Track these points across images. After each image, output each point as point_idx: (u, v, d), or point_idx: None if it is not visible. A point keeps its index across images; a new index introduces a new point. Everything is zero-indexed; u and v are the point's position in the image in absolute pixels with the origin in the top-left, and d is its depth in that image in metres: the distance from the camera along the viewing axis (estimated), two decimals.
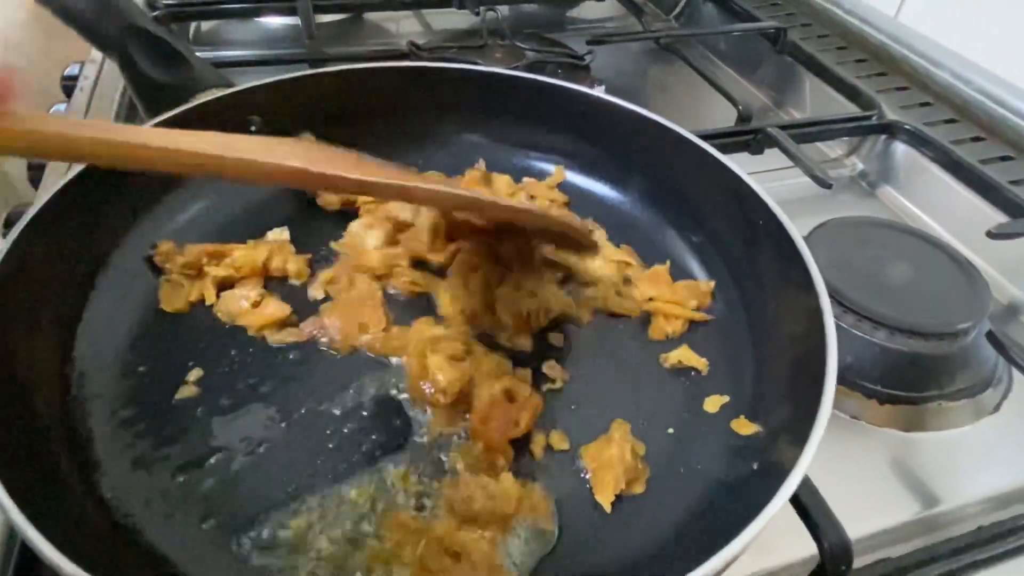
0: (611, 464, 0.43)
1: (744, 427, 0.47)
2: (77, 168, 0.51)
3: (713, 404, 0.49)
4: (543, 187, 0.65)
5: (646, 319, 0.56)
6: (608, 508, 0.43)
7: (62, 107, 0.87)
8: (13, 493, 0.32)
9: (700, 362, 0.52)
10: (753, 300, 0.53)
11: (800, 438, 0.36)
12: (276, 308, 0.52)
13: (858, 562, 0.43)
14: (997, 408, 0.60)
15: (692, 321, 0.55)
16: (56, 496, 0.37)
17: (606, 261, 0.59)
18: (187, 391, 0.47)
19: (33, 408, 0.42)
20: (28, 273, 0.45)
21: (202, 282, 0.53)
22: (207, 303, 0.53)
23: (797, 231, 0.50)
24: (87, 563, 0.30)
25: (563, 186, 0.66)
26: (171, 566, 0.38)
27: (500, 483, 0.41)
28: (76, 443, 0.42)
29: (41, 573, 0.39)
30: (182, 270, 0.53)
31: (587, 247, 0.55)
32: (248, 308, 0.52)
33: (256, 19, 1.01)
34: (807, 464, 0.35)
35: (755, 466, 0.42)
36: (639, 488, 0.44)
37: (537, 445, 0.46)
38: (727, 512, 0.38)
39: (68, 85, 0.90)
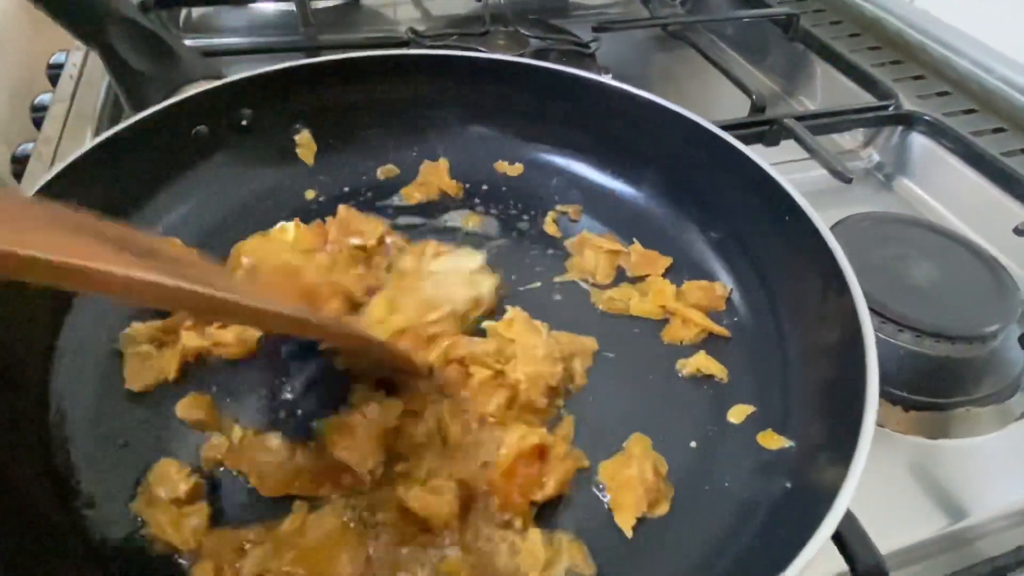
0: (631, 484, 0.41)
1: (772, 440, 0.44)
2: (60, 164, 0.48)
3: (738, 415, 0.46)
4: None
5: (661, 324, 0.53)
6: (629, 533, 0.40)
7: (47, 96, 0.83)
8: None
9: (719, 368, 0.49)
10: (779, 302, 0.50)
11: (841, 458, 0.34)
12: None
13: None
14: None
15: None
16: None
17: (597, 252, 0.57)
18: None
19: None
20: None
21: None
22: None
23: (826, 227, 0.47)
24: None
25: (574, 180, 0.63)
26: None
27: (526, 540, 0.38)
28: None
29: None
30: (148, 340, 0.46)
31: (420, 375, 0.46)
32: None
33: (249, 5, 0.97)
34: (852, 490, 0.32)
35: (788, 485, 0.39)
36: (663, 509, 0.41)
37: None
38: (761, 539, 0.35)
39: (54, 74, 0.87)
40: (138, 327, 0.47)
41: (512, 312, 0.49)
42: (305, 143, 0.60)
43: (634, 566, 0.39)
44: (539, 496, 0.40)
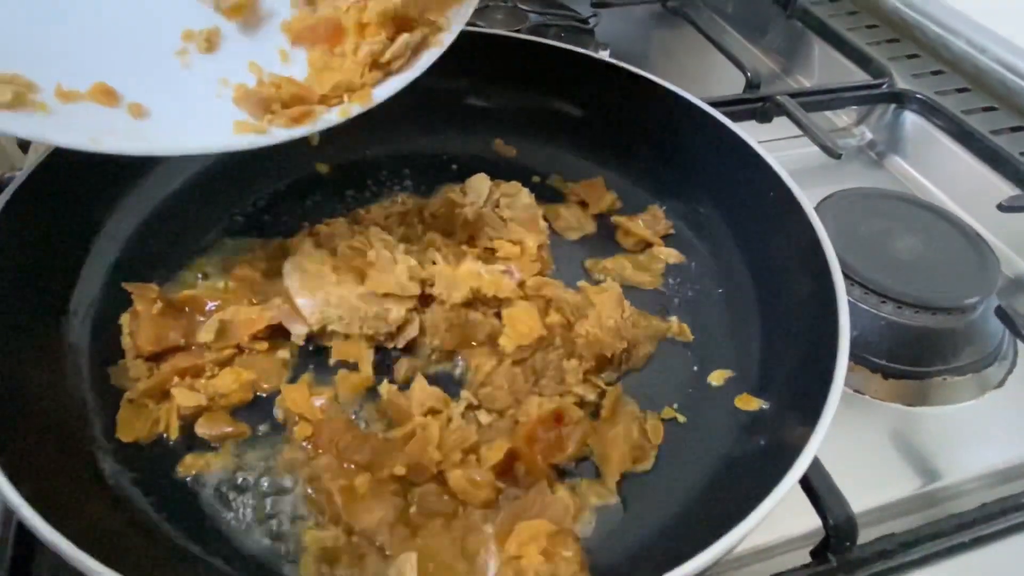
0: (616, 443, 0.43)
1: (749, 403, 0.46)
2: None
3: (718, 378, 0.49)
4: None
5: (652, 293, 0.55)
6: (614, 488, 0.42)
7: None
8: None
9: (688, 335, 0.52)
10: (761, 272, 0.52)
11: (810, 417, 0.36)
12: None
13: (862, 537, 0.43)
14: (1002, 383, 0.59)
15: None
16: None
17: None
18: None
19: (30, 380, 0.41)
20: (23, 234, 0.44)
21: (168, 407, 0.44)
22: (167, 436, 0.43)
23: (809, 202, 0.49)
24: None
25: (568, 154, 0.65)
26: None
27: (555, 496, 0.41)
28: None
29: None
30: (143, 396, 0.44)
31: None
32: None
33: None
34: (818, 444, 0.35)
35: (763, 442, 0.41)
36: (646, 464, 0.44)
37: None
38: (736, 490, 0.38)
39: None
40: (133, 364, 0.45)
41: (609, 283, 0.53)
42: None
43: (616, 520, 0.42)
44: (559, 458, 0.43)
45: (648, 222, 0.59)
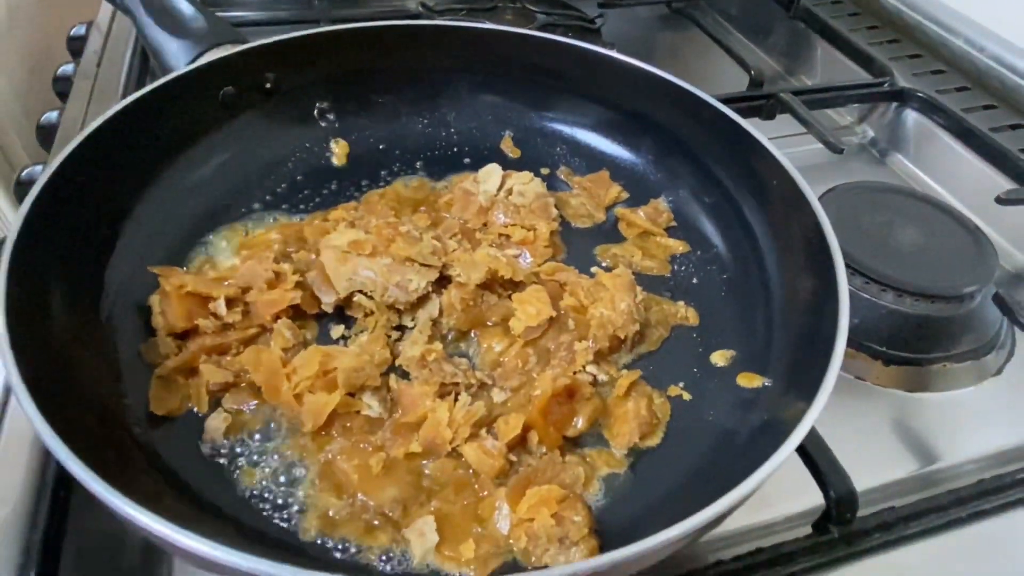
0: (625, 418, 0.45)
1: (751, 380, 0.48)
2: (91, 126, 0.50)
3: (721, 358, 0.51)
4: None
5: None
6: (622, 459, 0.44)
7: (70, 67, 0.86)
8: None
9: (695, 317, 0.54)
10: (765, 260, 0.54)
11: (808, 393, 0.37)
12: None
13: (862, 512, 0.45)
14: (1000, 370, 0.61)
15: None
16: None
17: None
18: None
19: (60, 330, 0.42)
20: (57, 219, 0.46)
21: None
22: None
23: (812, 192, 0.50)
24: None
25: (577, 147, 0.67)
26: None
27: (565, 464, 0.43)
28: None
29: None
30: (173, 372, 0.46)
31: None
32: None
33: None
34: (815, 416, 0.36)
35: (765, 417, 0.43)
36: (654, 440, 0.45)
37: None
38: (739, 459, 0.39)
39: (74, 46, 0.90)
40: (163, 342, 0.47)
41: (621, 270, 0.54)
42: (340, 150, 0.64)
43: (625, 488, 0.44)
44: (572, 432, 0.45)
45: (650, 214, 0.61)
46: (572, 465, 0.43)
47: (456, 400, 0.45)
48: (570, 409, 0.45)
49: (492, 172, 0.60)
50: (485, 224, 0.57)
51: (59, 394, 0.37)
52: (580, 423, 0.45)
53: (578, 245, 0.59)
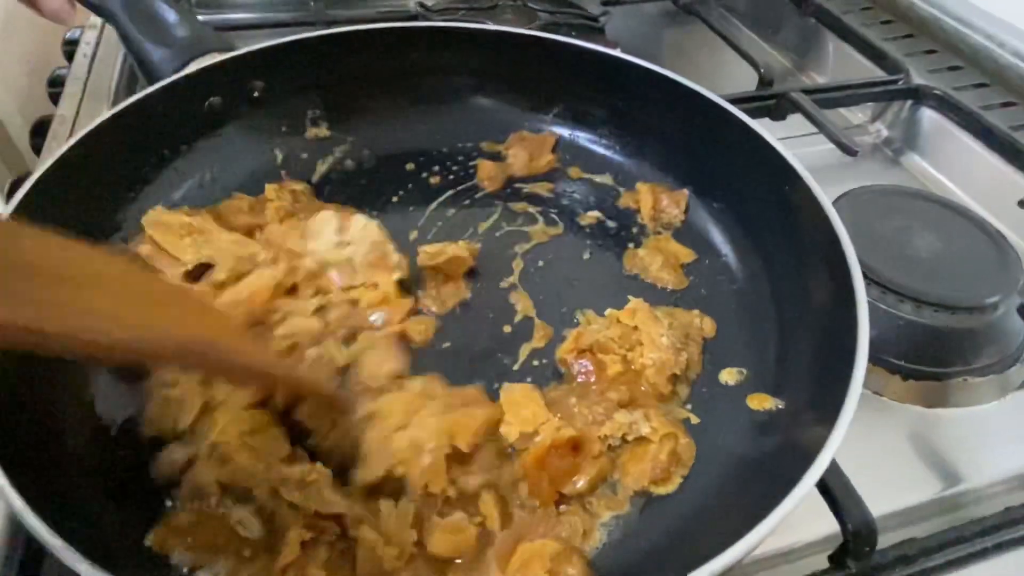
0: (641, 456, 0.42)
1: (761, 402, 0.45)
2: (79, 134, 0.49)
3: (729, 376, 0.48)
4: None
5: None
6: (626, 501, 0.42)
7: (64, 71, 0.85)
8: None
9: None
10: (776, 270, 0.51)
11: (828, 417, 0.35)
12: None
13: (881, 542, 0.42)
14: None
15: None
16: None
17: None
18: None
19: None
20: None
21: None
22: None
23: (827, 198, 0.48)
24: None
25: (578, 151, 0.64)
26: None
27: (566, 515, 0.40)
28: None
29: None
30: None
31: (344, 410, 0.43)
32: None
33: None
34: (836, 445, 0.34)
35: (778, 443, 0.41)
36: (669, 487, 0.42)
37: None
38: (752, 492, 0.37)
39: (69, 50, 0.89)
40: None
41: (634, 302, 0.50)
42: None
43: (631, 518, 0.41)
44: (569, 491, 0.41)
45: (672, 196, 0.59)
46: (569, 515, 0.39)
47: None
48: (572, 465, 0.41)
49: (325, 222, 0.52)
50: (317, 291, 0.49)
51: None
52: (581, 483, 0.41)
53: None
